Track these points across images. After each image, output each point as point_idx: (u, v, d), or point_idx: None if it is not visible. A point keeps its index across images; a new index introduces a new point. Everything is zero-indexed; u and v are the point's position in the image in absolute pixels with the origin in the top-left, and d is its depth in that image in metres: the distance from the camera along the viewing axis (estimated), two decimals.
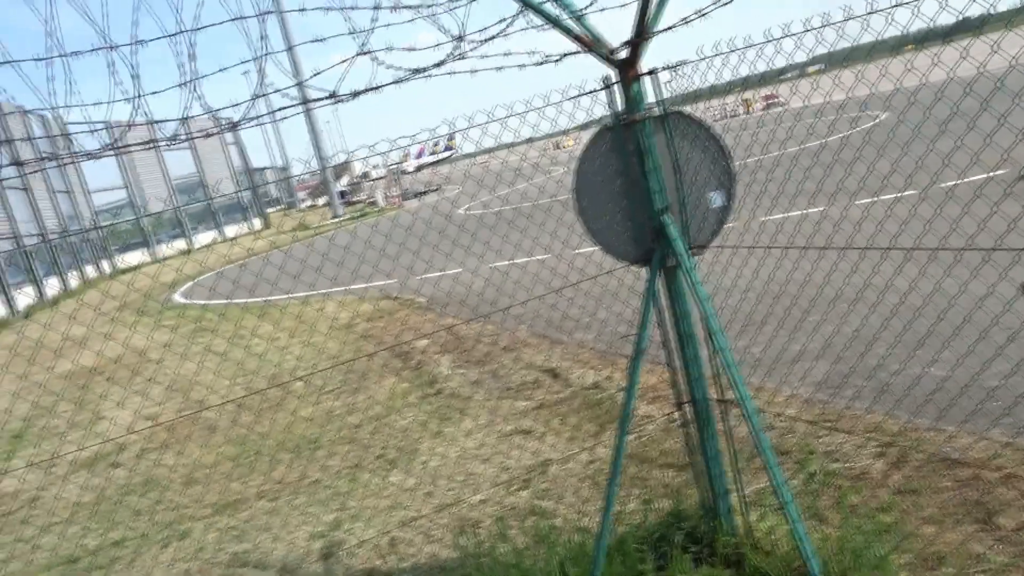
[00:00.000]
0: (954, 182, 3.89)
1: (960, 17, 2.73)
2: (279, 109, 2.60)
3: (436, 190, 40.66)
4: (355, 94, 2.90)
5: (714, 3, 2.83)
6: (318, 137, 40.10)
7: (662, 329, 3.60)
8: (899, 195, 4.30)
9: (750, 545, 3.63)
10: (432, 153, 66.81)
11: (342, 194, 46.64)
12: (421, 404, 7.27)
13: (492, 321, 9.42)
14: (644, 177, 3.23)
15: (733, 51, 2.99)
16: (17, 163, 2.36)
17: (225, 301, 14.98)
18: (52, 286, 26.23)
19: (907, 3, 2.45)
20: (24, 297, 23.41)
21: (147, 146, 2.52)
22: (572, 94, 3.39)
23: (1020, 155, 4.34)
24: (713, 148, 3.21)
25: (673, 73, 3.11)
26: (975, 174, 4.15)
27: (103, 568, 5.23)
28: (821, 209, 8.49)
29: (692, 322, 3.51)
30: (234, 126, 2.56)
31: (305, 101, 2.76)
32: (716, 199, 3.30)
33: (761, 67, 3.62)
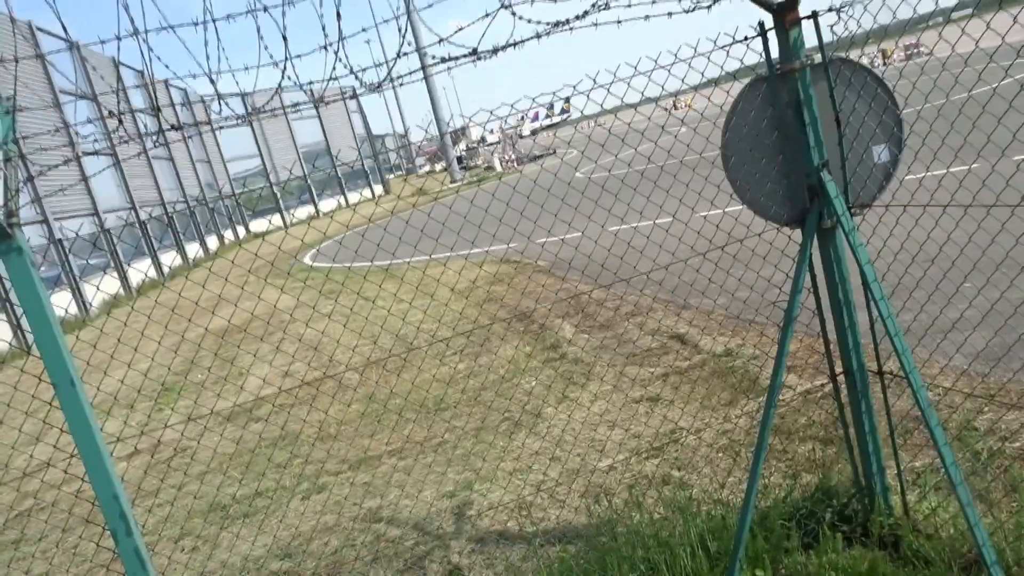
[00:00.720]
0: None
1: None
2: (424, 67, 2.55)
3: (552, 154, 40.41)
4: (495, 50, 2.81)
5: None
6: (436, 103, 40.62)
7: (815, 295, 3.37)
8: None
9: (909, 527, 3.38)
10: (547, 117, 66.33)
11: (459, 159, 47.18)
12: (545, 368, 7.25)
13: (614, 285, 9.25)
14: (801, 131, 2.99)
15: None
16: (176, 127, 2.43)
17: (352, 264, 15.49)
18: (193, 250, 28.02)
19: None
20: (169, 259, 25.12)
21: (294, 109, 2.55)
22: (721, 44, 3.17)
23: None
24: (881, 98, 2.93)
25: (838, 16, 2.84)
26: None
27: (249, 516, 5.53)
28: (970, 166, 7.72)
29: (849, 288, 3.27)
30: (377, 87, 2.54)
31: (446, 59, 2.70)
32: (882, 153, 3.02)
33: (922, 9, 3.27)
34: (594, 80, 3.70)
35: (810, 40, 2.98)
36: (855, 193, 3.11)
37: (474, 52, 2.62)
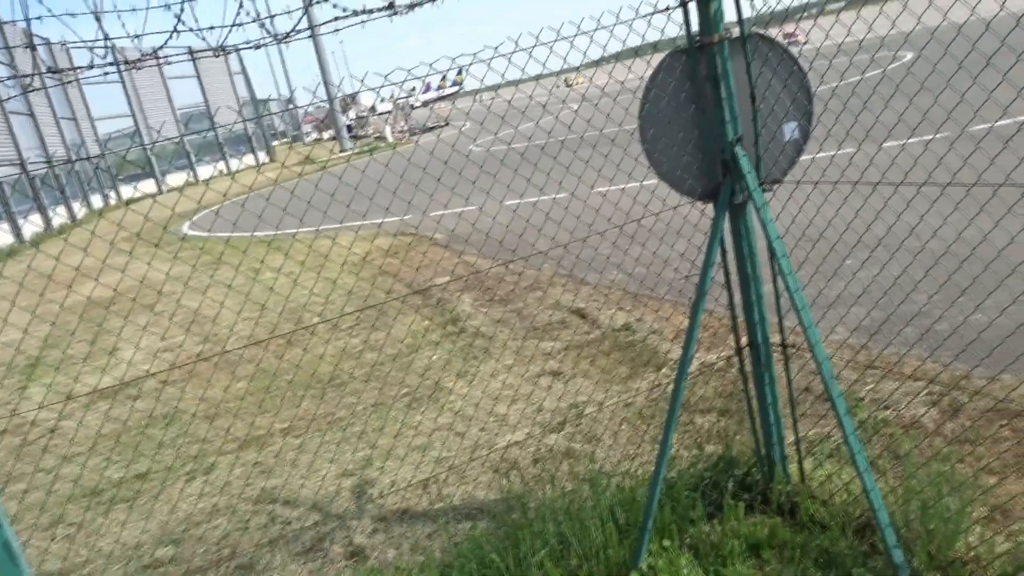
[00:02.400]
0: (986, 125, 3.67)
1: None
2: (332, 20, 2.36)
3: (446, 125, 39.99)
4: (412, 5, 2.65)
5: None
6: (325, 66, 39.23)
7: (724, 269, 3.42)
8: (931, 137, 4.04)
9: (806, 494, 3.51)
10: (439, 88, 65.48)
11: (349, 128, 45.91)
12: (445, 342, 7.14)
13: (514, 259, 9.23)
14: (717, 105, 2.99)
15: None
16: (56, 70, 2.13)
17: (230, 234, 14.78)
18: (59, 215, 26.04)
19: None
20: (31, 226, 23.24)
21: (199, 55, 2.29)
22: (643, 13, 3.12)
23: None
24: (795, 76, 2.97)
25: None
26: (1002, 118, 3.93)
27: (128, 501, 5.17)
28: (851, 151, 8.11)
29: (757, 262, 3.32)
30: (285, 37, 2.33)
31: (359, 12, 2.51)
32: (792, 131, 3.07)
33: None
34: (495, 49, 3.57)
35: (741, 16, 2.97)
36: (766, 169, 3.15)
37: (391, 6, 2.45)
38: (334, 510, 4.52)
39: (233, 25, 2.12)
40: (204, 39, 2.30)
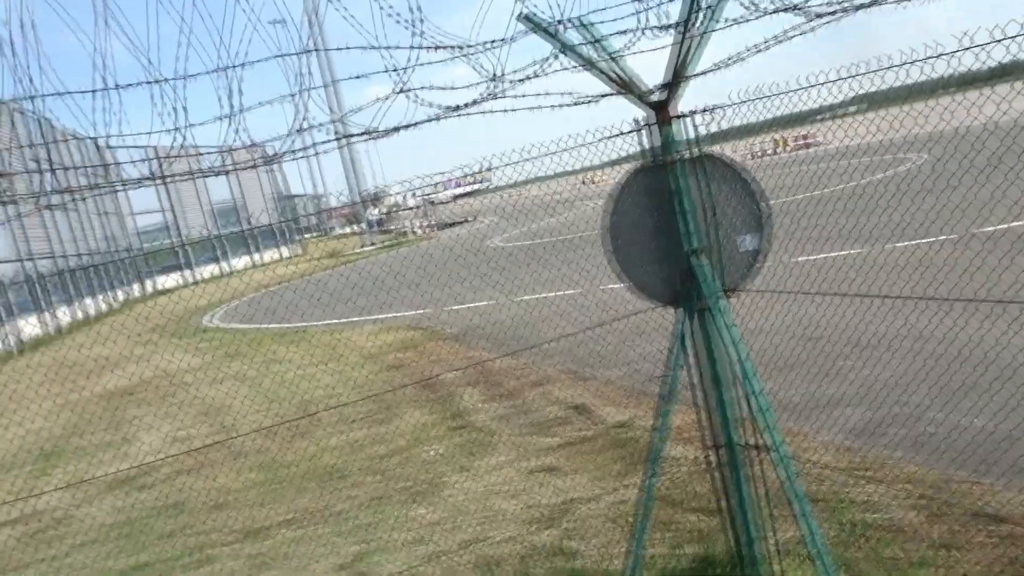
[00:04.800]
0: (992, 227, 3.85)
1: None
2: (318, 143, 2.65)
3: (467, 221, 40.96)
4: (390, 131, 2.94)
5: (749, 50, 2.84)
6: (355, 167, 40.77)
7: (693, 371, 3.56)
8: (937, 239, 4.22)
9: None
10: (471, 183, 67.19)
11: (377, 223, 47.16)
12: (447, 437, 7.25)
13: (520, 355, 9.40)
14: (677, 218, 3.22)
15: (764, 97, 2.98)
16: (68, 190, 2.43)
17: (257, 325, 15.17)
18: (92, 305, 26.79)
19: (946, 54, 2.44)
20: (64, 316, 23.93)
21: (188, 176, 2.58)
22: (608, 134, 3.40)
23: None
24: (747, 190, 3.19)
25: (708, 116, 3.11)
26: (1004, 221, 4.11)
27: None
28: (857, 252, 8.34)
29: (723, 365, 3.47)
30: (272, 159, 2.61)
31: (342, 136, 2.80)
32: (749, 242, 3.27)
33: (791, 110, 3.61)
34: (519, 153, 3.86)
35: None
36: (727, 277, 3.33)
37: (368, 132, 2.74)
38: None
39: (227, 150, 2.42)
40: (200, 160, 2.60)
